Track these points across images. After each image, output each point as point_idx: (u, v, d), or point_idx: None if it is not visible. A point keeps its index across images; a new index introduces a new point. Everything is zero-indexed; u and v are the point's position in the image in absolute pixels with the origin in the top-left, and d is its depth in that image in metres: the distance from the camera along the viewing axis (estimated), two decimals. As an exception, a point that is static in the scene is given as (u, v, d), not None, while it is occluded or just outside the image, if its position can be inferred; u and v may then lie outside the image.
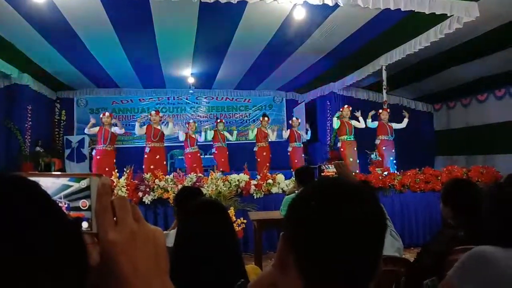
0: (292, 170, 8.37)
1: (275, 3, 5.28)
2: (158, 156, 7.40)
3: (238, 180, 5.67)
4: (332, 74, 9.82)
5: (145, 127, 7.65)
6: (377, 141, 7.79)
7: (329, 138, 10.47)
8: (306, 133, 9.44)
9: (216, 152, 8.82)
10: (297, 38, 7.23)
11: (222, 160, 8.62)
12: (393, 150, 7.69)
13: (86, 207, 0.50)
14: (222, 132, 8.89)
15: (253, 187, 5.69)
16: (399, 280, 1.99)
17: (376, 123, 7.81)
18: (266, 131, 8.99)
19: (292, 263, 0.68)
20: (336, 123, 7.94)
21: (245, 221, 4.97)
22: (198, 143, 8.41)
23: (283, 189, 5.77)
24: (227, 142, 9.04)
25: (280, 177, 5.95)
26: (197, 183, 5.51)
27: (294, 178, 4.86)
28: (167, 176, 5.66)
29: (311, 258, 0.67)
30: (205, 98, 12.37)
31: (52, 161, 9.65)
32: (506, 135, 8.58)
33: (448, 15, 5.58)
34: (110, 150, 7.35)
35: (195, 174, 5.78)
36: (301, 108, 11.80)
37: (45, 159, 9.45)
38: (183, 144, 8.48)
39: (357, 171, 6.87)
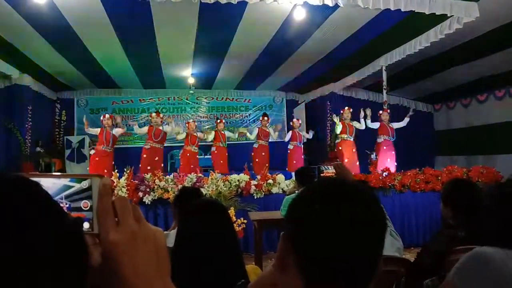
0: (288, 170, 8.38)
1: (275, 3, 5.28)
2: (157, 158, 7.36)
3: (238, 180, 5.68)
4: (332, 75, 9.81)
5: (146, 127, 7.63)
6: (379, 141, 7.76)
7: (329, 139, 10.47)
8: (308, 133, 9.42)
9: (215, 152, 8.72)
10: (297, 38, 7.23)
11: (221, 161, 8.52)
12: (393, 152, 7.67)
13: (88, 208, 0.50)
14: (222, 132, 8.87)
15: (253, 187, 5.70)
16: (399, 280, 2.00)
17: (377, 124, 7.80)
18: (267, 130, 8.98)
19: (292, 263, 0.68)
20: (338, 127, 7.89)
21: (245, 221, 4.97)
22: (198, 143, 8.37)
23: (283, 189, 5.77)
24: (227, 143, 8.99)
25: (280, 177, 5.95)
26: (197, 184, 5.51)
27: (294, 178, 4.86)
28: (167, 176, 5.67)
29: (311, 258, 0.67)
30: (205, 98, 12.36)
31: (53, 162, 9.65)
32: (506, 135, 8.58)
33: (448, 15, 5.58)
34: (110, 152, 7.34)
35: (195, 175, 5.78)
36: (301, 108, 11.80)
37: (45, 159, 9.45)
38: (183, 143, 8.37)
39: (353, 173, 6.82)
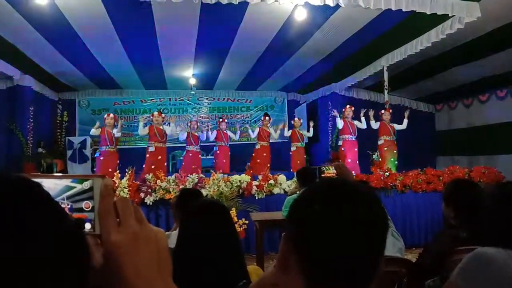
0: (292, 170, 8.36)
1: (276, 3, 5.28)
2: (160, 157, 7.38)
3: (239, 181, 5.67)
4: (333, 75, 9.81)
5: (147, 127, 7.64)
6: (380, 142, 7.75)
7: (330, 139, 10.45)
8: (308, 131, 9.36)
9: (218, 151, 8.73)
10: (298, 38, 7.23)
11: (224, 160, 8.54)
12: (395, 151, 7.66)
13: (89, 209, 0.51)
14: (225, 131, 8.86)
15: (254, 187, 5.69)
16: (401, 281, 1.99)
17: (378, 124, 7.79)
18: (268, 130, 8.97)
19: (294, 263, 0.68)
20: (339, 123, 7.91)
21: (246, 221, 4.97)
22: (200, 143, 8.36)
23: (284, 189, 5.76)
24: (230, 143, 8.99)
25: (282, 177, 5.94)
26: (198, 184, 5.51)
27: (295, 179, 4.86)
28: (169, 177, 5.67)
29: (312, 258, 0.67)
30: (207, 99, 12.37)
31: (54, 162, 9.67)
32: (508, 135, 8.56)
33: (450, 15, 5.57)
34: (113, 151, 7.34)
35: (196, 175, 5.77)
36: (303, 108, 11.79)
37: (47, 160, 9.47)
38: (185, 143, 8.36)
39: (354, 172, 6.82)
